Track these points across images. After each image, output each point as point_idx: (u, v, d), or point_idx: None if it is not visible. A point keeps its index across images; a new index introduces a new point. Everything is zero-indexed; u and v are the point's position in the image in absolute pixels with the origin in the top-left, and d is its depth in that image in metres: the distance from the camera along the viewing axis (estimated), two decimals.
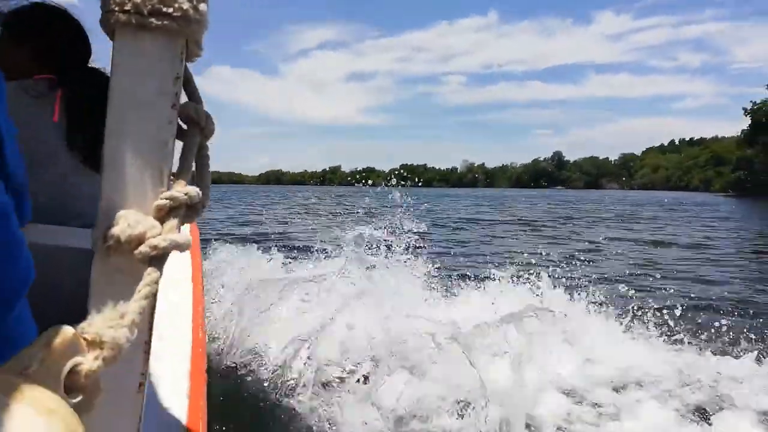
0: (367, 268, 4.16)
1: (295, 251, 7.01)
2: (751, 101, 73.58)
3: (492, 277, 5.16)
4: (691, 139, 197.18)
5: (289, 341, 3.33)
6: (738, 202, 42.05)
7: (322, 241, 5.73)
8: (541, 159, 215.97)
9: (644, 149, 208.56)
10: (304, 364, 3.20)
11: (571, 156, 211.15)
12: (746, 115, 73.62)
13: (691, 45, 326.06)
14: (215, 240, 7.49)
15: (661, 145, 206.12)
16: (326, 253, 5.48)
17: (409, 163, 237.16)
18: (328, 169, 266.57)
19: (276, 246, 6.58)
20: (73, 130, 1.50)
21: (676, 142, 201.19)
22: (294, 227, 12.51)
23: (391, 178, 7.29)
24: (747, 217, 24.22)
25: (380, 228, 5.13)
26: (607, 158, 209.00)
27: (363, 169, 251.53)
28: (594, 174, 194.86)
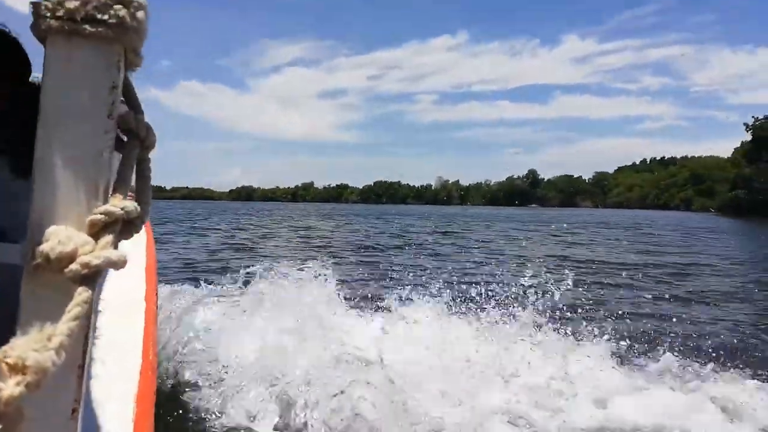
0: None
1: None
2: (752, 116, 73.48)
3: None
4: (662, 158, 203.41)
5: (244, 364, 3.37)
6: (741, 224, 41.83)
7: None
8: (516, 177, 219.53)
9: (615, 168, 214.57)
10: (266, 392, 3.20)
11: (543, 174, 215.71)
12: (747, 131, 73.14)
13: (652, 68, 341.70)
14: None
15: (633, 164, 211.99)
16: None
17: (383, 180, 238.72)
18: (300, 185, 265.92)
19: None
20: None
21: (647, 161, 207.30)
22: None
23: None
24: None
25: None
26: (580, 176, 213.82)
27: (336, 185, 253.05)
28: (568, 192, 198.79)
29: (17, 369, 0.52)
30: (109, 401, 1.35)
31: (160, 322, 3.25)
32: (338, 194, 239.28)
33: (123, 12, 0.59)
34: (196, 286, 6.05)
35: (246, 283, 5.44)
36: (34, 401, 0.53)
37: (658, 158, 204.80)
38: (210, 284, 5.95)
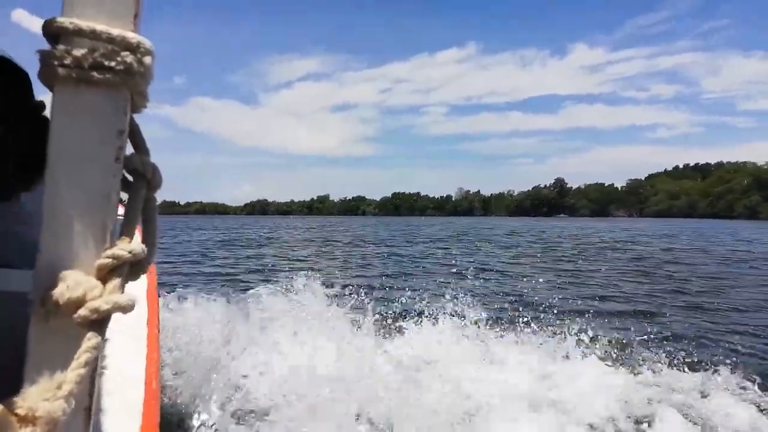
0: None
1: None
2: None
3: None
4: (696, 164, 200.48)
5: (245, 392, 3.41)
6: None
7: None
8: (543, 186, 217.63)
9: (646, 176, 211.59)
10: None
11: (570, 183, 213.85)
12: None
13: (663, 76, 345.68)
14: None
15: (665, 171, 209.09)
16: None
17: (400, 192, 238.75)
18: (315, 198, 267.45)
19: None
20: None
21: (680, 168, 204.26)
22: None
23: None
24: None
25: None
26: (612, 184, 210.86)
27: (352, 198, 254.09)
28: (601, 201, 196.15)
29: (28, 420, 0.54)
30: None
31: (162, 345, 3.29)
32: (355, 207, 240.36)
33: (130, 58, 0.61)
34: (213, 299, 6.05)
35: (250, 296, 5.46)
36: None
37: (691, 165, 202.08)
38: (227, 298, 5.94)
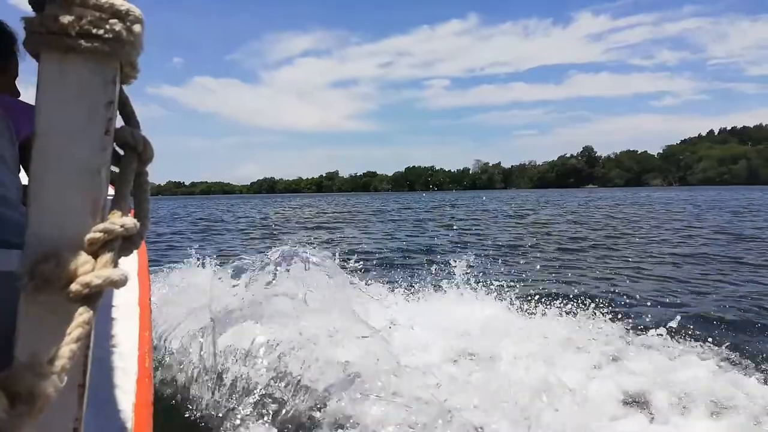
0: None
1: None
2: None
3: None
4: (733, 128, 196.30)
5: (243, 369, 3.41)
6: None
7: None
8: (569, 155, 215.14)
9: (677, 142, 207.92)
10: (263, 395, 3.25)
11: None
12: None
13: (669, 43, 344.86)
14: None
15: (699, 136, 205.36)
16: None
17: (414, 165, 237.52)
18: (324, 175, 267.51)
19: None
20: None
21: (715, 133, 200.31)
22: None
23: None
24: None
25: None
26: (646, 152, 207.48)
27: (363, 174, 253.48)
28: (635, 170, 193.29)
29: (20, 397, 0.55)
30: (107, 415, 1.42)
31: (154, 324, 3.35)
32: (367, 183, 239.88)
33: (119, 26, 0.61)
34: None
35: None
36: (35, 424, 0.56)
37: (728, 129, 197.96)
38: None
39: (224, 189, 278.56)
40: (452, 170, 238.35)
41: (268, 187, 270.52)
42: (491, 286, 5.82)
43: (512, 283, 6.08)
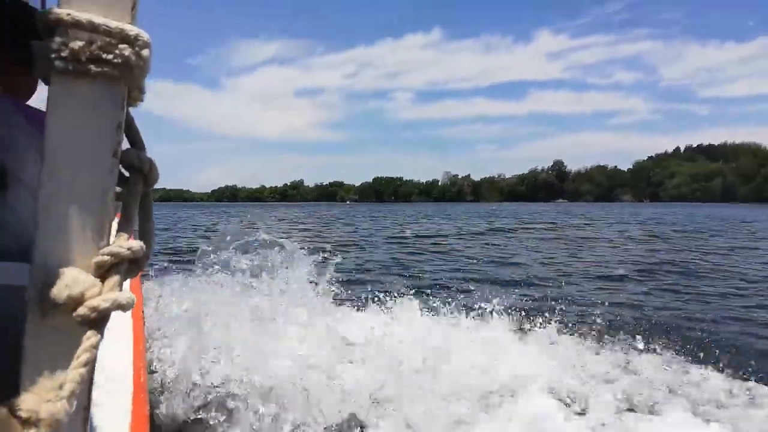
0: None
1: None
2: None
3: None
4: (699, 145, 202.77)
5: (236, 380, 3.42)
6: None
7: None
8: (540, 169, 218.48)
9: (644, 158, 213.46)
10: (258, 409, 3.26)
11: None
12: None
13: (624, 63, 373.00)
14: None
15: (665, 153, 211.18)
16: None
17: (382, 176, 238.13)
18: (288, 184, 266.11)
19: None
20: None
21: (682, 150, 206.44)
22: None
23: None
24: None
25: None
26: (616, 167, 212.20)
27: (330, 183, 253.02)
28: (605, 185, 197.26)
29: (31, 422, 0.56)
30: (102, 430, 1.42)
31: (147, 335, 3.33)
32: (333, 193, 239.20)
33: (128, 51, 0.63)
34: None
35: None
36: None
37: (694, 147, 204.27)
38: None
39: (183, 196, 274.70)
40: (421, 181, 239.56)
41: (230, 194, 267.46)
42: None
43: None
